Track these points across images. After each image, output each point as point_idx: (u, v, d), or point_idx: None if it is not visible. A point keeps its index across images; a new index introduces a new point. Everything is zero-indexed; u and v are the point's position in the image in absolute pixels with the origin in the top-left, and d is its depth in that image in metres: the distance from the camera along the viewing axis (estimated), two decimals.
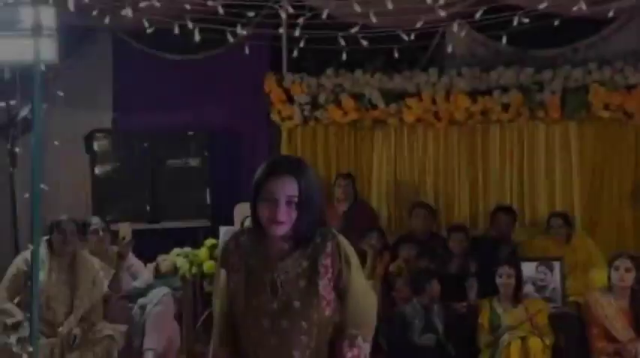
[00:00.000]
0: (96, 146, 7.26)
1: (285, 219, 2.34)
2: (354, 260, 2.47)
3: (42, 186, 4.02)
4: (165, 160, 7.33)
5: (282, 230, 2.36)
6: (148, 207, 7.27)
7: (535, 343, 5.17)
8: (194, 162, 7.35)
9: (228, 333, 2.49)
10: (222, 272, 2.51)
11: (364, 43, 5.78)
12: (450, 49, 7.02)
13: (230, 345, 2.48)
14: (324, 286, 2.40)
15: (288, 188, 2.35)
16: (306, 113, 7.11)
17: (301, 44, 6.38)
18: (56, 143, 4.38)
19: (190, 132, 7.44)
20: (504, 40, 6.66)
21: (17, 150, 5.03)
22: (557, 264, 5.84)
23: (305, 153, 7.20)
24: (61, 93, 4.60)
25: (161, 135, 7.37)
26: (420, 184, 7.13)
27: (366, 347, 2.44)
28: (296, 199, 2.35)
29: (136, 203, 7.23)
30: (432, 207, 6.76)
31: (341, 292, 2.44)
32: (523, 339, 5.20)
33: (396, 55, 6.81)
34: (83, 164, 7.45)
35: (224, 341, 2.49)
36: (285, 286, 2.38)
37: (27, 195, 4.02)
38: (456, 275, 6.08)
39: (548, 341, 5.26)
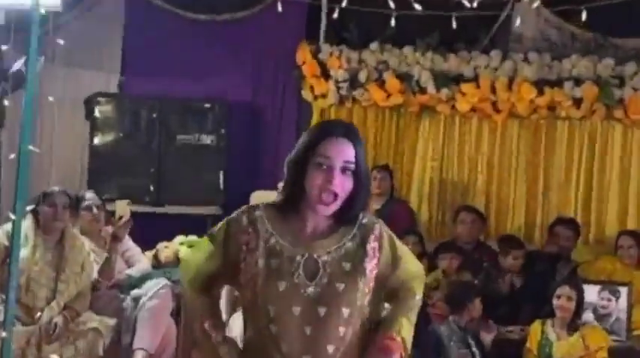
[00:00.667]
0: (97, 112, 7.25)
1: (339, 190, 2.34)
2: (406, 250, 2.53)
3: (31, 147, 3.99)
4: (176, 135, 7.28)
5: (331, 209, 2.36)
6: (151, 188, 7.25)
7: None
8: (209, 139, 7.29)
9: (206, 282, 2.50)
10: (212, 245, 2.47)
11: (418, 7, 5.69)
12: (517, 29, 6.92)
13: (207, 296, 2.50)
14: (371, 270, 2.40)
15: (345, 153, 2.35)
16: (343, 92, 7.08)
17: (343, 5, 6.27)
18: (51, 99, 4.32)
19: (207, 104, 7.39)
20: (583, 22, 6.50)
21: (6, 104, 4.99)
22: (624, 290, 5.72)
23: None
24: (62, 42, 4.53)
25: (173, 105, 7.34)
26: (469, 185, 7.09)
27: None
28: (352, 166, 2.35)
29: (138, 181, 7.21)
30: (481, 212, 6.68)
31: (384, 282, 2.45)
32: None
33: (454, 27, 6.53)
34: (82, 131, 7.47)
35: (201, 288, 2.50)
36: (326, 267, 2.35)
37: (12, 156, 4.00)
38: (505, 294, 6.02)
39: None
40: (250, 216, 2.41)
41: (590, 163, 6.87)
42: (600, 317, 5.69)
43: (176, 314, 5.45)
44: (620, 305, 5.71)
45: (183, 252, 5.76)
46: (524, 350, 5.42)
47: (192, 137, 7.30)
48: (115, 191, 6.88)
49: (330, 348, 2.32)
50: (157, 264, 5.78)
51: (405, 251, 2.51)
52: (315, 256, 2.36)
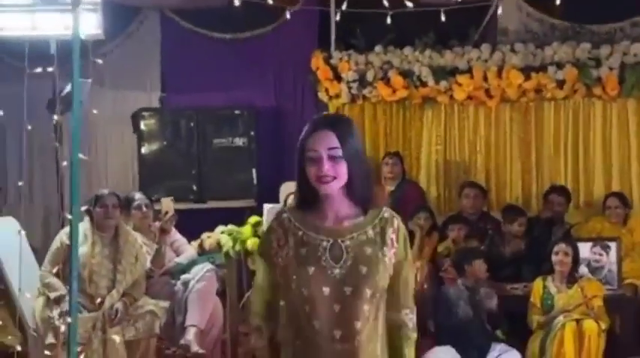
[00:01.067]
0: (143, 125, 7.22)
1: (331, 173, 2.28)
2: (410, 251, 2.45)
3: (81, 155, 3.94)
4: (212, 140, 7.24)
5: (333, 187, 2.30)
6: (194, 187, 7.21)
7: (591, 326, 4.97)
8: (240, 141, 7.25)
9: (269, 310, 2.43)
10: (261, 264, 2.44)
11: (410, 4, 5.60)
12: (502, 24, 6.83)
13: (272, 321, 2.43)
14: (390, 258, 2.35)
15: (327, 141, 2.29)
16: (353, 91, 6.99)
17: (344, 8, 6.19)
18: (95, 111, 4.26)
19: (237, 111, 7.35)
20: (560, 12, 6.45)
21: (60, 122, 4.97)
22: (613, 245, 5.61)
23: None
24: (101, 63, 4.48)
25: (208, 114, 7.30)
26: (470, 164, 6.99)
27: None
28: (339, 152, 2.28)
29: (182, 183, 7.17)
30: (482, 187, 6.59)
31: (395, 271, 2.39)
32: (578, 322, 5.01)
33: (448, 26, 6.50)
34: (131, 143, 7.46)
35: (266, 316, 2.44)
36: (350, 251, 2.31)
37: (65, 163, 3.95)
38: (509, 258, 5.94)
39: (603, 325, 5.06)
40: (278, 219, 2.40)
41: (575, 137, 6.73)
42: (594, 270, 5.58)
43: (221, 294, 5.41)
44: (610, 258, 5.59)
45: (224, 239, 5.70)
46: (529, 304, 5.33)
47: (226, 141, 7.26)
48: (163, 192, 6.81)
49: (358, 324, 2.28)
50: (202, 252, 5.72)
51: (409, 256, 2.43)
52: (339, 241, 2.32)
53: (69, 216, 3.76)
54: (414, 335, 2.44)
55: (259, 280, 2.45)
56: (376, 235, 2.34)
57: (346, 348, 2.27)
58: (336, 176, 2.28)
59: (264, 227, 4.94)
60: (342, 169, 2.29)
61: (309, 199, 2.36)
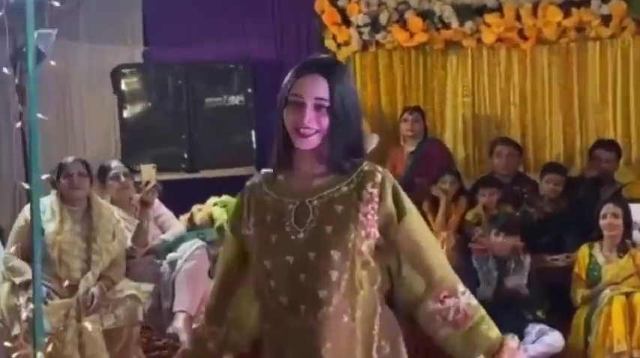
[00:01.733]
0: (124, 84, 7.15)
1: (313, 126, 2.19)
2: (412, 205, 2.31)
3: (39, 115, 3.87)
4: (204, 99, 7.16)
5: (311, 142, 2.21)
6: (185, 154, 7.15)
7: None
8: (237, 99, 7.17)
9: (218, 308, 2.40)
10: (229, 234, 2.41)
11: None
12: None
13: (215, 325, 2.39)
14: (366, 213, 2.22)
15: (316, 89, 2.20)
16: (365, 37, 6.92)
17: None
18: (53, 63, 4.18)
19: (231, 65, 7.27)
20: None
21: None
22: None
23: (365, 84, 7.05)
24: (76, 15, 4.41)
25: (198, 70, 7.23)
26: (503, 118, 6.92)
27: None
28: (326, 104, 2.20)
29: (171, 149, 7.11)
30: (517, 144, 6.51)
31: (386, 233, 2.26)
32: (628, 295, 4.93)
33: None
34: (111, 105, 7.39)
35: (211, 317, 2.42)
36: (316, 211, 2.22)
37: (18, 125, 3.89)
38: (548, 224, 5.85)
39: None
40: (251, 185, 2.34)
41: (625, 82, 6.61)
42: None
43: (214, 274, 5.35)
44: None
45: (217, 212, 5.64)
46: (573, 275, 5.26)
47: (220, 99, 7.19)
48: (149, 161, 6.75)
49: (322, 293, 2.17)
50: (192, 227, 5.68)
51: (412, 209, 2.30)
52: (306, 202, 2.24)
53: (26, 186, 3.70)
54: (478, 314, 2.34)
55: (219, 258, 2.45)
56: (351, 192, 2.23)
57: (312, 324, 2.18)
58: (319, 129, 2.20)
59: None
60: (325, 122, 2.21)
61: (284, 155, 2.28)
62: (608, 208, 5.19)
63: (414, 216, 2.29)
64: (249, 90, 7.17)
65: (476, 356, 2.28)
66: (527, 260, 5.27)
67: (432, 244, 2.35)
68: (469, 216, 6.02)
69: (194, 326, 2.43)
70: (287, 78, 2.26)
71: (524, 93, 6.84)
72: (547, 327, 5.11)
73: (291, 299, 2.19)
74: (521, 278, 5.19)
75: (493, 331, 2.32)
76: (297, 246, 2.20)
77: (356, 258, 2.20)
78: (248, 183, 2.35)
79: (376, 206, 2.23)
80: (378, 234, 2.24)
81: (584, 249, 5.27)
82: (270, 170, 2.32)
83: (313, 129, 2.20)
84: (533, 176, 6.42)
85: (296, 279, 2.19)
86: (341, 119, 2.21)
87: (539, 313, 5.24)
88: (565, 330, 5.10)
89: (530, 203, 6.02)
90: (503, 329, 5.11)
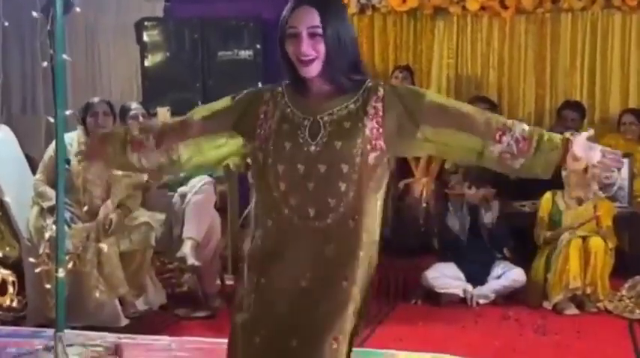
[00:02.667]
0: (146, 36, 7.03)
1: (310, 53, 2.16)
2: (426, 90, 2.31)
3: (65, 56, 3.81)
4: (217, 52, 7.04)
5: (313, 69, 2.18)
6: (199, 102, 7.05)
7: (597, 243, 4.87)
8: (246, 54, 7.05)
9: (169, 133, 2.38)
10: (230, 103, 2.34)
11: None
12: None
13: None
14: (372, 128, 2.20)
15: (308, 18, 2.17)
16: (363, 1, 6.78)
17: None
18: (78, 9, 4.10)
19: (242, 22, 7.13)
20: None
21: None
22: (626, 161, 5.41)
23: (361, 44, 6.88)
24: None
25: (213, 25, 7.08)
26: (482, 78, 6.80)
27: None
28: (319, 30, 2.16)
29: (186, 96, 7.01)
30: (493, 101, 6.39)
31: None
32: (584, 239, 4.90)
33: None
34: (135, 54, 7.29)
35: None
36: (327, 127, 2.19)
37: (45, 64, 3.82)
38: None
39: (611, 245, 4.95)
40: (273, 91, 2.28)
41: (592, 50, 6.49)
42: (604, 187, 5.41)
43: (220, 210, 5.32)
44: (622, 175, 5.43)
45: None
46: (537, 219, 5.21)
47: (231, 53, 7.06)
48: (167, 106, 6.70)
49: (331, 202, 2.16)
50: None
51: (427, 91, 2.28)
52: (318, 118, 2.21)
53: (51, 120, 3.65)
54: (535, 133, 2.21)
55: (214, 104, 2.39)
56: (358, 109, 2.21)
57: (319, 226, 2.17)
58: (317, 56, 2.17)
59: None
60: (321, 48, 2.17)
61: (294, 78, 2.24)
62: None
63: (430, 94, 2.27)
64: (258, 46, 7.03)
65: (554, 165, 2.21)
66: (496, 204, 5.23)
67: (458, 103, 2.31)
68: (447, 165, 5.97)
69: None
70: (283, 13, 2.22)
71: (502, 58, 6.72)
72: (511, 265, 5.10)
73: (300, 202, 2.17)
74: (491, 220, 5.17)
75: (554, 136, 2.22)
76: (308, 157, 2.18)
77: (363, 170, 2.18)
78: (269, 88, 2.29)
79: (380, 119, 2.20)
80: (384, 146, 2.20)
81: (547, 196, 5.24)
82: (288, 82, 2.27)
83: (311, 55, 2.16)
84: None
85: (305, 187, 2.17)
86: (335, 43, 2.17)
87: (505, 251, 5.24)
88: (527, 268, 5.09)
89: None
90: (474, 264, 5.16)
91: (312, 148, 2.18)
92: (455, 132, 2.22)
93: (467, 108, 2.28)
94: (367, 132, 2.18)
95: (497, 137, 2.20)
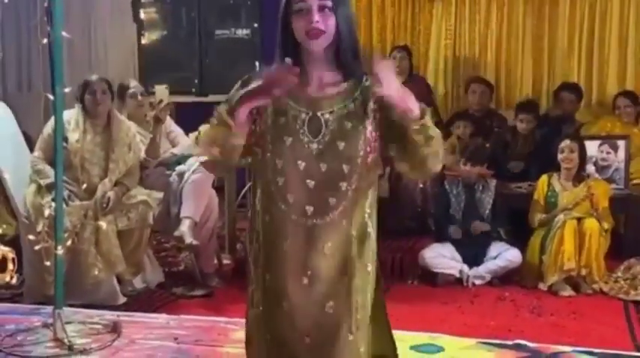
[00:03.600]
0: (143, 14, 7.02)
1: (321, 27, 2.14)
2: None
3: (64, 33, 3.79)
4: (214, 30, 7.04)
5: (322, 42, 2.16)
6: (196, 80, 7.06)
7: (591, 225, 4.86)
8: (243, 32, 7.05)
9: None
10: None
11: None
12: None
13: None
14: (371, 131, 2.20)
15: None
16: None
17: None
18: None
19: (240, 2, 7.12)
20: None
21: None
22: (622, 144, 5.47)
23: (360, 24, 6.91)
24: None
25: (210, 4, 7.09)
26: (480, 60, 6.83)
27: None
28: (329, 3, 2.15)
29: (184, 75, 7.05)
30: (489, 82, 6.44)
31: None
32: (579, 221, 4.90)
33: None
34: (132, 33, 7.26)
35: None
36: (329, 125, 2.19)
37: (44, 41, 3.80)
38: (517, 156, 5.88)
39: (607, 226, 4.95)
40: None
41: (590, 32, 6.52)
42: (601, 169, 5.46)
43: (218, 189, 5.31)
44: (619, 157, 5.47)
45: None
46: (532, 201, 5.22)
47: (228, 32, 7.07)
48: (164, 84, 6.69)
49: (332, 201, 2.18)
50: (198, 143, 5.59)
51: None
52: (318, 114, 2.20)
53: (50, 97, 3.65)
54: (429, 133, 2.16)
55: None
56: (357, 108, 2.20)
57: (317, 223, 2.18)
58: (325, 29, 2.15)
59: None
60: (332, 22, 2.16)
61: (294, 60, 2.17)
62: (566, 144, 5.12)
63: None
64: (256, 25, 7.05)
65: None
66: (492, 183, 5.23)
67: None
68: (445, 146, 5.97)
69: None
70: None
71: (500, 39, 6.75)
72: (507, 245, 5.11)
73: (298, 199, 2.18)
74: (487, 200, 5.18)
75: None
76: (310, 155, 2.18)
77: (362, 170, 2.19)
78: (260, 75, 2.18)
79: (377, 121, 2.20)
80: (379, 147, 2.21)
81: (544, 179, 5.23)
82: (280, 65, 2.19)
83: (321, 29, 2.14)
84: (504, 113, 6.37)
85: (304, 184, 2.18)
86: (344, 20, 2.18)
87: (501, 231, 5.24)
88: (523, 249, 5.10)
89: (498, 137, 5.98)
90: (471, 245, 5.18)
91: (314, 146, 2.17)
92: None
93: None
94: (367, 134, 2.19)
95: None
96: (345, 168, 2.17)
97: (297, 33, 2.17)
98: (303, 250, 2.19)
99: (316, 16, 2.13)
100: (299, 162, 2.17)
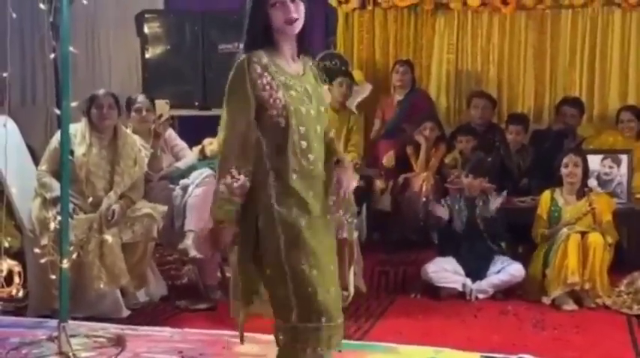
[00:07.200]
0: (146, 28, 7.03)
1: (298, 15, 2.61)
2: None
3: (71, 48, 3.82)
4: (217, 45, 7.04)
5: (296, 27, 2.63)
6: (199, 94, 7.07)
7: (595, 239, 4.87)
8: None
9: (250, 152, 2.61)
10: (249, 89, 2.60)
11: None
12: None
13: (248, 165, 2.62)
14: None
15: None
16: None
17: None
18: (84, 1, 4.11)
19: (243, 15, 7.12)
20: None
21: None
22: (624, 158, 5.50)
23: (362, 38, 6.98)
24: None
25: (213, 18, 7.08)
26: (482, 74, 6.86)
27: None
28: None
29: (187, 88, 7.02)
30: (492, 97, 6.46)
31: None
32: (583, 235, 4.91)
33: None
34: (135, 46, 7.29)
35: (247, 158, 2.61)
36: (312, 93, 2.69)
37: (52, 56, 3.83)
38: (518, 171, 5.93)
39: (610, 240, 4.97)
40: (260, 62, 2.60)
41: (592, 47, 6.55)
42: (603, 183, 5.48)
43: None
44: (621, 171, 5.51)
45: None
46: (535, 216, 5.23)
47: (232, 46, 7.05)
48: (167, 98, 6.69)
49: (321, 153, 2.73)
50: (203, 157, 5.61)
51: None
52: (306, 86, 2.69)
53: (57, 111, 3.67)
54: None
55: (239, 123, 2.62)
56: (316, 78, 2.77)
57: (322, 172, 2.73)
58: (299, 17, 2.61)
59: None
60: (302, 9, 2.63)
61: (260, 45, 2.62)
62: (570, 158, 5.15)
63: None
64: None
65: None
66: (496, 199, 5.25)
67: None
68: (447, 160, 6.02)
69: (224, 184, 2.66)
70: None
71: (502, 53, 6.77)
72: (510, 260, 5.13)
73: (314, 157, 2.67)
74: (489, 213, 5.20)
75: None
76: (312, 120, 2.68)
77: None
78: (251, 60, 2.59)
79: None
80: None
81: (546, 194, 5.25)
82: (260, 52, 2.61)
83: (297, 17, 2.60)
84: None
85: (315, 147, 2.67)
86: (306, 7, 2.65)
87: (502, 244, 5.25)
88: (526, 263, 5.11)
89: (500, 151, 6.00)
90: (473, 259, 5.18)
91: (312, 112, 2.67)
92: None
93: None
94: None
95: None
96: (319, 129, 2.71)
97: (277, 21, 2.60)
98: (317, 195, 2.70)
99: (293, 7, 2.60)
100: (312, 126, 2.66)
